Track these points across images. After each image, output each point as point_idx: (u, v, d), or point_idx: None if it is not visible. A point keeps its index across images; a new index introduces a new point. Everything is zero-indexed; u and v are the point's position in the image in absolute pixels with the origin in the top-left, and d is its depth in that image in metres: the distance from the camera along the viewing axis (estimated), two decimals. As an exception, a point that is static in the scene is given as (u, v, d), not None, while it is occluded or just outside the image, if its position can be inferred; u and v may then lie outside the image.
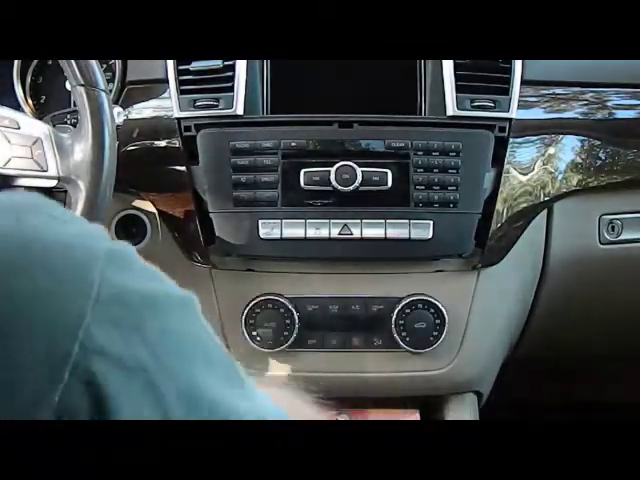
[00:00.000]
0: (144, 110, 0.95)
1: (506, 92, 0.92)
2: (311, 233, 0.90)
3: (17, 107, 0.98)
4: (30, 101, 1.00)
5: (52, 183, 0.79)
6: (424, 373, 0.98)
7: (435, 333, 0.94)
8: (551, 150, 0.95)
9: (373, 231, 0.90)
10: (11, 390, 0.30)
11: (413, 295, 0.94)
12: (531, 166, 0.94)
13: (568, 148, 0.96)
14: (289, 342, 0.94)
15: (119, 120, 0.88)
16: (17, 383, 0.30)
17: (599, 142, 0.97)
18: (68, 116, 0.93)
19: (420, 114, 0.95)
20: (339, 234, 0.90)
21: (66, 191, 0.80)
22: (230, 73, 0.91)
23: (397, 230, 0.90)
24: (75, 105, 0.90)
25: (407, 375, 0.98)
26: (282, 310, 0.94)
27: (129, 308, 0.33)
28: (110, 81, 0.95)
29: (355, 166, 0.89)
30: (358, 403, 1.02)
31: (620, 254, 1.01)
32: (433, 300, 0.94)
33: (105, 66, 0.97)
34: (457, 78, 0.91)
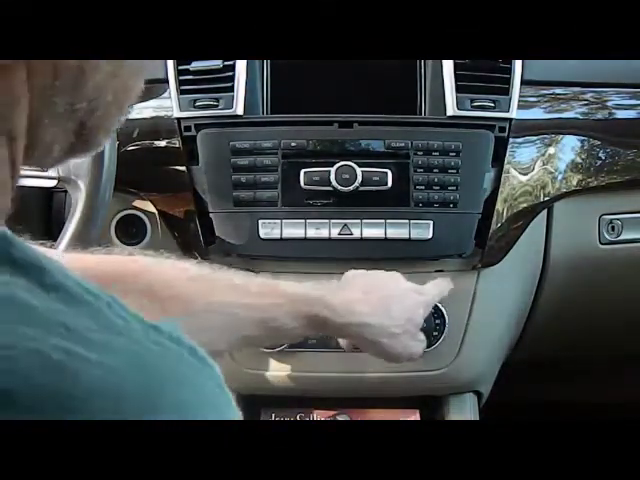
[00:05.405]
0: (144, 110, 0.95)
1: (506, 92, 0.92)
2: (311, 233, 0.90)
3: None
4: (30, 101, 1.00)
5: (52, 183, 0.80)
6: (424, 373, 0.97)
7: (435, 333, 0.94)
8: (551, 150, 0.95)
9: (373, 231, 0.90)
10: None
11: (413, 295, 0.94)
12: (531, 166, 0.94)
13: (568, 148, 0.96)
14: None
15: (119, 120, 0.88)
16: None
17: (599, 142, 0.97)
18: (68, 116, 0.93)
19: (420, 114, 0.95)
20: (339, 234, 0.90)
21: (66, 191, 0.80)
22: (230, 73, 0.92)
23: (397, 230, 0.90)
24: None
25: (407, 375, 0.97)
26: (282, 310, 0.94)
27: None
28: (110, 81, 0.95)
29: (355, 166, 0.89)
30: (358, 403, 1.02)
31: (620, 254, 1.01)
32: (433, 300, 0.94)
33: (105, 66, 0.96)
34: (457, 78, 0.91)
